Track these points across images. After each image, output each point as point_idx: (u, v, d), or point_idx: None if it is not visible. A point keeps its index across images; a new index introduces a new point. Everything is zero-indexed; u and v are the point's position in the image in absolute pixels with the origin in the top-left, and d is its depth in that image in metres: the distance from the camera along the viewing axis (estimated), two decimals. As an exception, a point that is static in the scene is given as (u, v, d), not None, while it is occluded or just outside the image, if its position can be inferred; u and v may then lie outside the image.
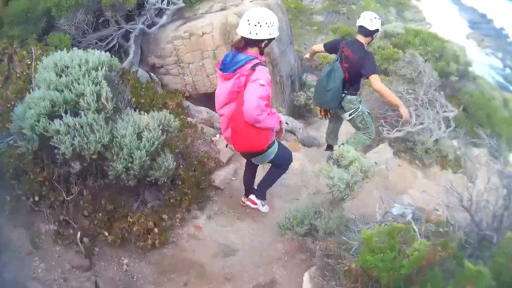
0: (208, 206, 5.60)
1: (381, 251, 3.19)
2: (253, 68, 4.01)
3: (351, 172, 4.53)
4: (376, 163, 5.27)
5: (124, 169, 4.25)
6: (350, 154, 4.69)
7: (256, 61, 4.09)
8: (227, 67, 4.18)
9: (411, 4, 32.09)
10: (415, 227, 3.57)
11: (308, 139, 8.20)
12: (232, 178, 6.26)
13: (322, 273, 3.99)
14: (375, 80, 5.99)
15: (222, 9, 8.40)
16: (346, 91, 6.26)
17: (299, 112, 10.17)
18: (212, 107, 7.52)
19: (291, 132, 7.88)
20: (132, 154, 4.24)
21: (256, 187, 5.51)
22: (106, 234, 4.35)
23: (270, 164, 5.21)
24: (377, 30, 6.16)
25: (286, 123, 7.40)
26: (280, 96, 9.15)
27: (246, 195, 5.57)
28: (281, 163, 5.13)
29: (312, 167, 6.17)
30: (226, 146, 5.20)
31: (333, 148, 5.37)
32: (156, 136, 4.44)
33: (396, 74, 10.63)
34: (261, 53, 4.27)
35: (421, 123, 9.26)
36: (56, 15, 6.66)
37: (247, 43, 4.13)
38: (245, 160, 5.45)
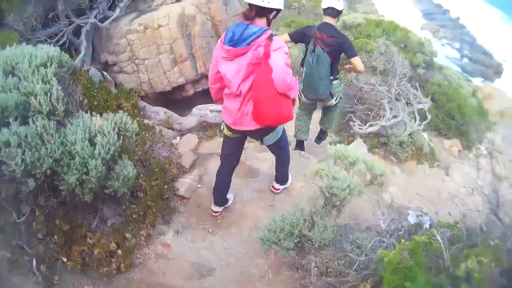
0: (174, 219, 5.02)
1: (409, 272, 2.63)
2: (269, 38, 3.84)
3: (356, 173, 3.92)
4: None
5: (78, 182, 3.67)
6: (351, 154, 4.07)
7: (270, 31, 3.91)
8: (238, 42, 3.88)
9: (363, -4, 32.15)
10: (439, 238, 2.93)
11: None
12: (198, 186, 5.64)
13: (322, 295, 3.36)
14: (359, 62, 5.81)
15: (178, 0, 7.82)
16: (332, 77, 5.86)
17: None
18: (170, 107, 7.05)
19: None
20: (86, 164, 3.66)
21: (276, 175, 5.49)
22: (65, 259, 3.85)
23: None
24: (342, 11, 5.86)
25: None
26: None
27: (217, 203, 5.17)
28: (285, 143, 5.03)
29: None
30: (222, 130, 4.73)
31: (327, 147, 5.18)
32: (112, 141, 3.85)
33: (368, 65, 10.08)
34: (268, 25, 4.05)
35: (395, 116, 8.78)
36: (5, 9, 6.15)
37: (258, 13, 3.92)
38: (212, 164, 5.45)
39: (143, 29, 7.13)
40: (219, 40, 4.02)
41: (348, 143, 8.67)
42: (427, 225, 3.52)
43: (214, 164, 5.70)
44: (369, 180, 4.24)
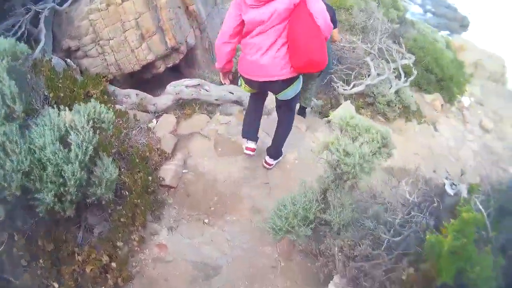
0: (165, 214, 4.51)
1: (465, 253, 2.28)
2: None
3: (369, 145, 3.48)
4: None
5: (56, 198, 3.13)
6: (359, 122, 3.62)
7: None
8: None
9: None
10: (482, 209, 2.57)
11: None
12: (183, 171, 5.15)
13: (353, 282, 3.01)
14: (336, 33, 6.31)
15: None
16: None
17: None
18: (142, 88, 6.60)
19: (238, 102, 6.72)
20: (62, 172, 3.12)
21: (272, 148, 5.24)
22: (56, 285, 3.38)
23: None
24: None
25: (231, 92, 6.60)
26: (211, 64, 8.16)
27: (254, 139, 5.26)
28: (295, 105, 5.08)
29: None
30: (240, 85, 4.78)
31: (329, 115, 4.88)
32: (88, 138, 3.31)
33: (348, 23, 9.62)
34: None
35: (379, 75, 8.35)
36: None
37: None
38: (195, 145, 5.50)
39: (105, 6, 6.45)
40: None
41: (332, 106, 8.40)
42: (465, 194, 3.07)
43: (197, 145, 5.57)
44: (379, 148, 3.76)
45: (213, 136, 5.69)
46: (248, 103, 5.23)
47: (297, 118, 6.03)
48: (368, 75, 8.46)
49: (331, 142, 3.56)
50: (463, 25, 39.49)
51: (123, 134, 4.93)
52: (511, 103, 12.63)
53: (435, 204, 3.03)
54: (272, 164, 5.32)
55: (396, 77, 8.76)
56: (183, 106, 6.32)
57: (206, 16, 8.11)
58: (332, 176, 3.63)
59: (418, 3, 32.30)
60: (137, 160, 4.58)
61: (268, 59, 4.13)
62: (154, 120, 5.88)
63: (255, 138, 5.20)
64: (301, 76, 4.47)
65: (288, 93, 4.49)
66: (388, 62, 8.62)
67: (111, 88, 6.15)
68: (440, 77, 10.83)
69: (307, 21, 3.90)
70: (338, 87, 8.35)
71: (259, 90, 4.68)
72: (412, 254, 2.80)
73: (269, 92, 4.86)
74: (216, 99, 6.45)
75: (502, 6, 48.84)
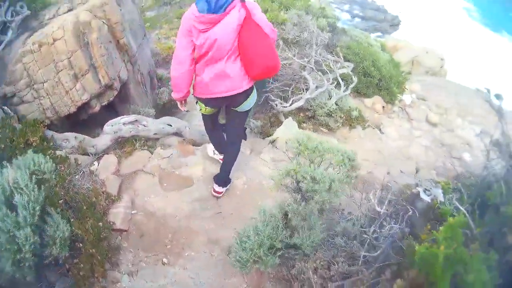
0: (122, 260, 4.40)
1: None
2: (242, 0, 4.08)
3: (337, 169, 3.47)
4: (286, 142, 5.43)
5: (14, 267, 3.00)
6: (318, 143, 3.67)
7: None
8: (216, 9, 3.98)
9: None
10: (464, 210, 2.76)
11: (198, 135, 6.91)
12: (132, 212, 5.04)
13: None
14: None
15: (70, 10, 7.05)
16: None
17: (164, 110, 9.12)
18: (79, 130, 6.49)
19: (177, 134, 6.64)
20: (15, 238, 2.99)
21: (220, 175, 5.34)
22: None
23: None
24: None
25: (169, 124, 6.58)
26: (144, 98, 8.35)
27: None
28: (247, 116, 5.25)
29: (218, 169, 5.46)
30: (199, 110, 4.91)
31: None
32: (34, 197, 3.18)
33: (282, 38, 9.59)
34: None
35: (318, 87, 8.44)
36: None
37: None
38: (140, 183, 5.43)
39: (38, 48, 6.30)
40: (187, 17, 4.09)
41: (272, 125, 8.43)
42: (441, 198, 3.11)
43: (142, 183, 5.48)
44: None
45: (157, 172, 5.60)
46: (205, 126, 5.35)
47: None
48: (306, 89, 8.49)
49: (294, 169, 3.55)
50: (394, 24, 40.58)
51: (67, 181, 4.76)
52: (453, 93, 12.89)
53: (410, 213, 3.05)
54: (222, 192, 5.34)
55: (336, 86, 8.82)
56: (122, 145, 6.19)
57: (137, 48, 8.06)
58: (298, 201, 3.60)
59: (345, 10, 32.86)
60: (85, 207, 4.42)
61: (231, 71, 4.29)
62: (96, 163, 5.70)
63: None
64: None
65: (249, 102, 4.67)
66: (326, 73, 8.68)
67: (49, 133, 5.96)
68: (379, 79, 10.93)
69: (257, 31, 4.10)
70: (276, 105, 8.35)
71: (221, 106, 4.89)
72: (394, 264, 2.81)
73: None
74: (155, 133, 6.38)
75: (431, 1, 50.69)
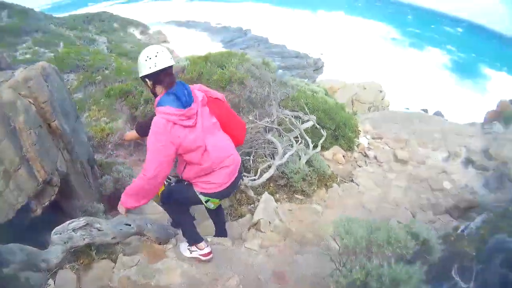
0: None
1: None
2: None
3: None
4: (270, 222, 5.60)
5: None
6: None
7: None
8: (189, 101, 3.82)
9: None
10: None
11: (162, 231, 5.88)
12: None
13: None
14: None
15: None
16: None
17: (111, 202, 7.47)
18: (26, 238, 5.25)
19: (139, 233, 5.54)
20: None
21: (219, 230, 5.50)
22: None
23: None
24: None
25: (128, 224, 5.40)
26: (88, 190, 6.98)
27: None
28: None
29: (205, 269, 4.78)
30: (209, 207, 4.47)
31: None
32: None
33: (239, 100, 8.71)
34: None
35: (286, 150, 7.59)
36: None
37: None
38: None
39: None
40: (165, 126, 3.69)
41: (240, 202, 7.42)
42: None
43: None
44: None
45: (128, 286, 4.61)
46: (180, 212, 4.83)
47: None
48: (272, 155, 7.64)
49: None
50: (318, 68, 41.45)
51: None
52: (403, 123, 12.90)
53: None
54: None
55: (301, 143, 7.99)
56: (77, 255, 5.07)
57: (72, 132, 6.78)
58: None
59: None
60: None
61: (226, 145, 4.21)
62: (51, 281, 4.64)
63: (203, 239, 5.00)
64: None
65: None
66: (289, 131, 7.85)
67: (-10, 249, 4.82)
68: (333, 129, 10.43)
69: (221, 106, 4.30)
70: (242, 179, 7.30)
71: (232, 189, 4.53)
72: None
73: None
74: (113, 237, 5.20)
75: (350, 36, 52.88)
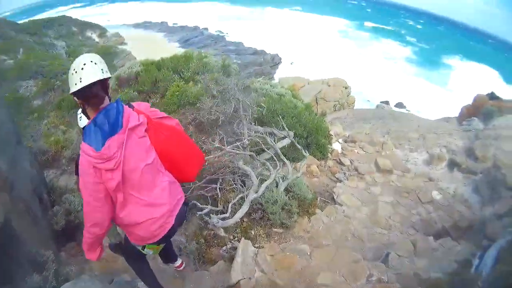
0: None
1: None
2: (130, 106, 3.29)
3: None
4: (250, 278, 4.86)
5: None
6: None
7: (119, 100, 3.21)
8: (114, 128, 3.06)
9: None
10: None
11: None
12: None
13: None
14: None
15: None
16: None
17: (64, 237, 6.31)
18: None
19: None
20: None
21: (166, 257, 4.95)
22: None
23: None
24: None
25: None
26: (36, 230, 5.62)
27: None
28: None
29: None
30: (148, 254, 3.78)
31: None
32: None
33: (199, 121, 7.46)
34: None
35: (262, 180, 6.41)
36: None
37: (103, 87, 3.09)
38: None
39: None
40: (86, 160, 2.98)
41: (209, 244, 6.28)
42: None
43: None
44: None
45: None
46: (140, 268, 4.28)
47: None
48: (242, 183, 6.51)
49: None
50: (275, 64, 41.00)
51: None
52: (375, 122, 12.19)
53: None
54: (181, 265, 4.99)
55: (279, 168, 6.73)
56: None
57: (9, 167, 5.43)
58: None
59: (238, 63, 32.75)
60: None
61: (168, 204, 3.43)
62: None
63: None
64: None
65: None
66: (260, 152, 6.68)
67: None
68: (306, 136, 9.37)
69: (172, 133, 3.49)
70: (210, 217, 5.98)
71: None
72: None
73: None
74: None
75: (308, 32, 53.05)
